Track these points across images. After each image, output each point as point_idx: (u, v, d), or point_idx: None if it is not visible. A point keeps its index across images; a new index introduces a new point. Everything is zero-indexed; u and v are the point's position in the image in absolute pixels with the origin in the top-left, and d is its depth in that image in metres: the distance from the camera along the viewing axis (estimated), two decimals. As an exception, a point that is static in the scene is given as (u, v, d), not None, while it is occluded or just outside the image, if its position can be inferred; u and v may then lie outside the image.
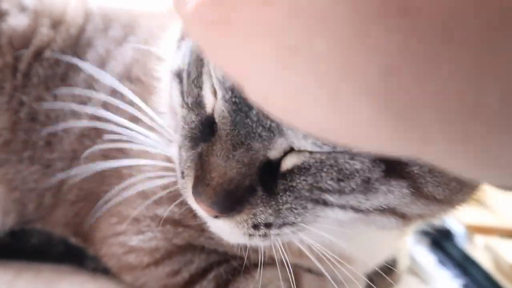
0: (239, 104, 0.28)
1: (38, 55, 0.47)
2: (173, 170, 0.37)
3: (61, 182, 0.44)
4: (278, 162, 0.29)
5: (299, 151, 0.29)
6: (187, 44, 0.34)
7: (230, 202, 0.29)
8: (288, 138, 0.28)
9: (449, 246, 0.63)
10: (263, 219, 0.30)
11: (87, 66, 0.47)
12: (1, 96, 0.45)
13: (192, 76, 0.32)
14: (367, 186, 0.29)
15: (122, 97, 0.45)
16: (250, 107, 0.28)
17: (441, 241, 0.65)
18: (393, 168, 0.29)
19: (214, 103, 0.31)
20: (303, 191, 0.29)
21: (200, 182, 0.29)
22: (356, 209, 0.30)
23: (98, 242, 0.43)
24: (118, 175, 0.41)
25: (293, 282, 0.37)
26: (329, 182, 0.29)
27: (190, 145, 0.32)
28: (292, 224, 0.30)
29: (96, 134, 0.44)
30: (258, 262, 0.39)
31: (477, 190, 0.34)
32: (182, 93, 0.33)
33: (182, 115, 0.33)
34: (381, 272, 0.46)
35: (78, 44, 0.48)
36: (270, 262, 0.40)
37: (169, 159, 0.39)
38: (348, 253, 0.38)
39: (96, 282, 0.43)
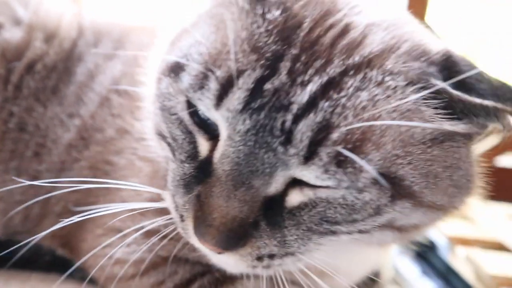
0: (254, 148, 0.28)
1: (30, 67, 0.47)
2: (158, 178, 0.38)
3: (48, 193, 0.43)
4: (281, 196, 0.29)
5: (302, 188, 0.29)
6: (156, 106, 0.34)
7: (233, 239, 0.29)
8: (289, 170, 0.28)
9: (432, 258, 0.64)
10: (267, 251, 0.30)
11: (77, 79, 0.47)
12: None
13: (178, 136, 0.32)
14: (377, 211, 0.29)
15: (110, 109, 0.46)
16: (260, 148, 0.28)
17: (424, 253, 0.65)
18: (398, 191, 0.29)
19: (208, 148, 0.30)
20: (312, 224, 0.29)
21: (202, 223, 0.29)
22: (362, 231, 0.30)
23: (84, 253, 0.42)
24: (105, 191, 0.41)
25: None
26: (340, 216, 0.29)
27: (185, 191, 0.31)
28: (294, 254, 0.30)
29: (84, 145, 0.44)
30: (241, 274, 0.39)
31: (472, 194, 0.35)
32: (172, 151, 0.33)
33: (171, 168, 0.33)
34: (365, 283, 0.47)
35: (70, 58, 0.49)
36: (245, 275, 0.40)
37: (156, 175, 0.39)
38: (333, 267, 0.38)
39: None
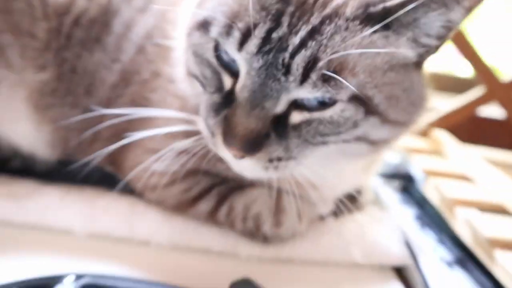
0: (265, 80, 0.37)
1: (76, 21, 0.55)
2: (186, 110, 0.47)
3: (99, 123, 0.53)
4: (285, 115, 0.39)
5: (301, 111, 0.38)
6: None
7: (252, 145, 0.39)
8: (290, 93, 0.37)
9: (411, 188, 0.74)
10: (275, 155, 0.39)
11: (115, 30, 0.56)
12: (49, 53, 0.54)
13: (208, 75, 0.42)
14: (355, 125, 0.39)
15: (145, 56, 0.55)
16: (273, 79, 0.37)
17: (404, 185, 0.75)
18: (369, 109, 0.39)
19: (232, 82, 0.40)
20: (308, 136, 0.39)
21: (229, 135, 0.39)
22: (344, 141, 0.40)
23: (128, 169, 0.53)
24: (143, 120, 0.50)
25: (275, 198, 0.49)
26: (328, 130, 0.39)
27: (214, 114, 0.41)
28: (297, 157, 0.40)
29: (125, 85, 0.54)
30: (249, 183, 0.50)
31: (427, 111, 0.44)
32: (204, 81, 0.42)
33: (203, 99, 0.42)
34: (347, 199, 0.56)
35: (107, 12, 0.57)
36: (257, 184, 0.51)
37: (184, 107, 0.49)
38: (323, 181, 0.48)
39: (125, 199, 0.54)
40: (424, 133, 0.88)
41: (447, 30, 0.39)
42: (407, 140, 0.82)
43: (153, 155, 0.50)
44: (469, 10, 0.38)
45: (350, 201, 0.57)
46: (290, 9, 0.38)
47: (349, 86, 0.37)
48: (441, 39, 0.40)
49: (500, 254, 0.49)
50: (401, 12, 0.36)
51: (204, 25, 0.41)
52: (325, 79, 0.37)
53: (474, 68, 0.88)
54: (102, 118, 0.52)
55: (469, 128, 1.00)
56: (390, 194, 0.73)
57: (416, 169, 0.73)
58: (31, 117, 0.57)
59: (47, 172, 0.59)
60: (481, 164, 0.69)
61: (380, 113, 0.39)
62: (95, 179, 0.57)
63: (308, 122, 0.39)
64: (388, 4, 0.37)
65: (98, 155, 0.54)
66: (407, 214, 0.69)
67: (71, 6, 0.55)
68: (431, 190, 0.67)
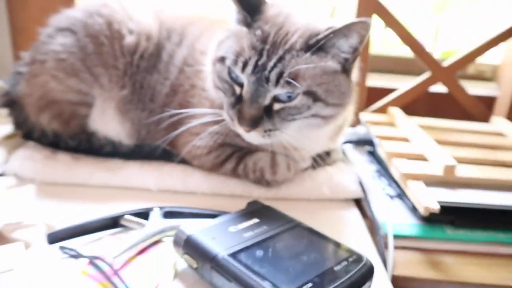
0: (257, 87, 0.62)
1: (141, 56, 0.80)
2: (216, 113, 0.71)
3: (159, 119, 0.79)
4: (270, 106, 0.63)
5: (278, 101, 0.62)
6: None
7: (254, 124, 0.62)
8: (270, 93, 0.63)
9: (372, 148, 0.97)
10: (267, 127, 0.63)
11: (164, 59, 0.83)
12: (126, 77, 0.79)
13: (226, 87, 0.66)
14: (309, 107, 0.64)
15: (185, 74, 0.81)
16: (261, 86, 0.61)
17: (369, 148, 0.98)
18: (315, 98, 0.64)
19: (240, 90, 0.64)
20: (285, 116, 0.63)
21: (241, 119, 0.63)
22: (305, 118, 0.64)
23: (180, 146, 0.77)
24: (187, 116, 0.73)
25: (272, 157, 0.76)
26: (295, 111, 0.63)
27: (232, 108, 0.64)
28: (280, 129, 0.64)
29: (174, 94, 0.79)
30: (255, 149, 0.77)
31: (352, 98, 0.69)
32: (224, 91, 0.66)
33: (225, 101, 0.66)
34: (320, 157, 0.81)
35: (158, 48, 0.81)
36: (261, 150, 0.77)
37: (213, 106, 0.74)
38: (300, 144, 0.74)
39: (180, 166, 0.79)
40: (384, 110, 1.11)
41: (353, 49, 0.62)
42: (372, 116, 1.07)
43: (196, 136, 0.75)
44: (360, 38, 0.60)
45: (322, 159, 0.82)
46: (267, 47, 0.62)
47: (301, 86, 0.60)
48: (352, 54, 0.63)
49: (410, 182, 0.73)
50: (324, 41, 0.61)
51: (221, 60, 0.67)
52: (288, 83, 0.61)
53: (418, 57, 1.13)
54: (160, 117, 0.78)
55: (424, 103, 1.26)
56: (357, 155, 0.97)
57: (374, 136, 0.95)
58: (117, 118, 0.80)
59: (128, 152, 0.81)
60: (415, 129, 0.91)
61: (322, 100, 0.63)
62: (159, 155, 0.80)
63: (283, 109, 0.63)
64: (318, 37, 0.62)
65: (159, 138, 0.79)
66: (370, 168, 0.92)
67: (137, 47, 0.79)
68: (381, 150, 0.90)
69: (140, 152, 0.82)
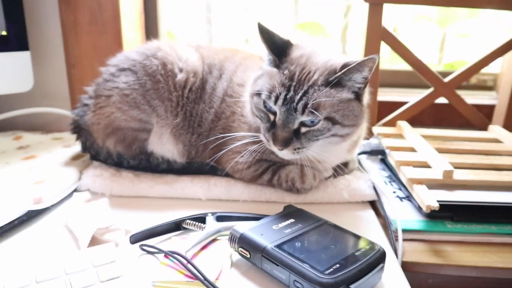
0: (287, 115, 0.76)
1: (190, 90, 0.92)
2: (254, 136, 0.86)
3: (206, 141, 0.90)
4: (298, 129, 0.76)
5: (304, 126, 0.76)
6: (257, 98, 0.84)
7: (285, 143, 0.75)
8: (298, 119, 0.78)
9: (384, 157, 1.11)
10: (296, 147, 0.76)
11: (208, 91, 1.01)
12: (178, 108, 0.94)
13: (262, 114, 0.79)
14: (329, 129, 0.80)
15: (226, 103, 0.98)
16: (290, 115, 0.76)
17: (381, 157, 1.13)
18: (334, 121, 0.79)
19: (273, 117, 0.77)
20: (310, 137, 0.76)
21: (275, 140, 0.76)
22: (327, 137, 0.76)
23: (224, 163, 0.90)
24: (230, 138, 0.85)
25: (300, 169, 0.92)
26: (319, 133, 0.76)
27: (268, 132, 0.77)
28: (306, 147, 0.77)
29: (217, 120, 0.94)
30: (287, 163, 0.93)
31: (365, 119, 0.84)
32: (261, 118, 0.80)
33: (261, 126, 0.79)
34: (339, 167, 0.96)
35: (202, 81, 0.97)
36: (291, 163, 0.92)
37: (250, 129, 0.90)
38: (323, 158, 0.86)
39: (224, 179, 0.94)
40: (393, 123, 1.22)
41: (364, 79, 0.75)
42: (383, 129, 1.20)
43: (238, 154, 0.87)
44: (370, 70, 0.74)
45: (341, 169, 0.96)
46: (294, 84, 0.77)
47: (322, 114, 0.73)
48: (363, 83, 0.76)
49: (415, 186, 0.84)
50: (343, 76, 0.77)
51: (258, 94, 0.82)
52: (311, 112, 0.74)
53: (422, 76, 1.28)
54: (208, 139, 0.94)
55: (430, 114, 1.40)
56: (371, 163, 1.11)
57: (385, 147, 1.09)
58: (171, 141, 0.92)
59: (181, 169, 0.93)
60: (419, 140, 1.05)
61: (340, 123, 0.76)
62: (207, 170, 0.92)
63: (309, 131, 0.77)
64: (336, 75, 0.77)
65: (207, 157, 0.95)
66: (382, 175, 1.06)
67: (187, 82, 0.91)
68: (391, 159, 1.04)
69: (190, 168, 0.95)
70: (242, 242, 0.69)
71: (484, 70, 1.30)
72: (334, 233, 0.72)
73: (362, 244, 0.68)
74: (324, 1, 1.74)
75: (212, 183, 0.92)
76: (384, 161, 1.09)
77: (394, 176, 1.01)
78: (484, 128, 1.24)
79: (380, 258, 0.65)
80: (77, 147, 1.10)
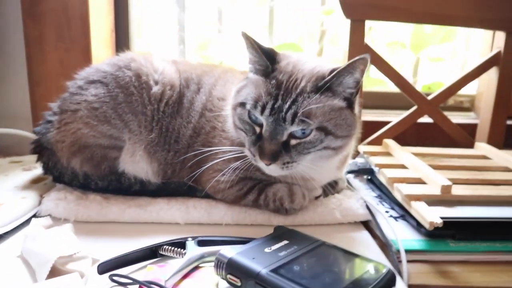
0: (275, 126, 0.71)
1: (166, 103, 0.88)
2: (237, 151, 0.79)
3: (184, 158, 0.86)
4: (287, 141, 0.71)
5: (294, 138, 0.71)
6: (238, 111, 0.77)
7: (274, 157, 0.70)
8: (287, 130, 0.72)
9: (373, 178, 1.05)
10: (286, 160, 0.71)
11: (185, 105, 0.93)
12: (153, 122, 0.87)
13: (247, 127, 0.74)
14: (321, 140, 0.73)
15: (205, 118, 0.90)
16: (279, 125, 0.70)
17: (368, 176, 1.07)
18: (326, 132, 0.73)
19: (259, 129, 0.72)
20: (300, 149, 0.71)
21: (262, 154, 0.71)
22: (318, 150, 0.72)
23: (204, 182, 0.83)
24: (210, 155, 0.81)
25: (289, 188, 0.85)
26: (310, 145, 0.72)
27: (253, 145, 0.72)
28: (296, 161, 0.72)
29: (196, 135, 0.87)
30: (274, 181, 0.85)
31: (358, 130, 0.79)
32: (246, 131, 0.75)
33: (246, 140, 0.74)
34: (329, 186, 0.91)
35: (180, 95, 0.90)
36: (278, 181, 0.85)
37: (233, 144, 0.82)
38: (313, 176, 0.82)
39: (204, 200, 0.86)
40: (378, 142, 1.21)
41: (356, 83, 0.72)
42: (369, 147, 1.17)
43: (219, 172, 0.82)
44: (362, 71, 0.70)
45: (332, 187, 0.91)
46: (281, 92, 0.73)
47: (313, 123, 0.69)
48: (355, 87, 0.72)
49: (413, 203, 0.81)
50: (332, 81, 0.72)
51: (241, 104, 0.76)
52: (302, 121, 0.70)
53: (405, 93, 1.25)
54: (185, 157, 0.86)
55: (413, 133, 1.36)
56: (358, 183, 1.06)
57: (373, 165, 1.05)
58: (145, 159, 0.86)
59: (156, 190, 0.86)
60: (410, 157, 1.01)
61: (332, 133, 0.71)
62: (184, 190, 0.86)
63: (299, 144, 0.72)
64: (325, 79, 0.72)
65: (185, 175, 0.87)
66: (371, 194, 1.00)
67: (163, 95, 0.88)
68: (381, 177, 0.99)
69: (167, 189, 0.88)
70: (231, 268, 0.59)
71: (461, 91, 1.29)
72: (335, 254, 0.63)
73: (369, 266, 0.59)
74: (298, 23, 1.73)
75: (191, 205, 0.84)
76: (371, 180, 1.05)
77: (384, 195, 0.96)
78: (468, 146, 1.23)
79: (391, 280, 0.57)
80: (38, 170, 1.00)
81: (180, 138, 0.87)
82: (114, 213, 0.82)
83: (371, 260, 0.61)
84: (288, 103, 0.71)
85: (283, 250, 0.63)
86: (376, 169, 1.03)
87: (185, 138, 0.87)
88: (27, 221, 0.79)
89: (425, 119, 1.29)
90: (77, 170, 0.88)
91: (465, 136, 1.27)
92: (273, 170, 0.74)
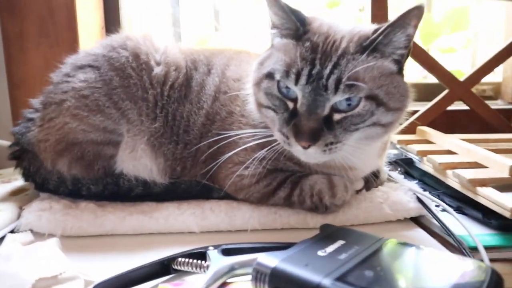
0: (314, 97, 0.58)
1: (172, 86, 0.75)
2: (263, 134, 0.65)
3: (196, 151, 0.73)
4: (330, 116, 0.59)
5: (338, 111, 0.58)
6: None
7: (314, 137, 0.58)
8: (330, 101, 0.58)
9: (410, 168, 0.93)
10: (328, 141, 0.58)
11: (195, 88, 0.77)
12: (158, 109, 0.73)
13: (277, 103, 0.62)
14: (372, 113, 0.59)
15: (219, 102, 0.75)
16: (319, 96, 0.58)
17: (404, 167, 0.94)
18: (378, 102, 0.59)
19: (293, 104, 0.60)
20: (347, 126, 0.59)
21: (299, 135, 0.58)
22: (368, 126, 0.60)
23: (222, 179, 0.71)
24: (228, 144, 0.69)
25: (329, 179, 0.69)
26: (358, 120, 0.59)
27: (286, 125, 0.60)
28: (342, 141, 0.59)
29: (211, 123, 0.73)
30: (309, 172, 0.70)
31: (411, 98, 0.64)
32: (275, 108, 0.62)
33: (276, 119, 0.62)
34: (372, 176, 0.77)
35: (187, 78, 0.77)
36: (314, 172, 0.70)
37: (254, 126, 0.68)
38: (355, 163, 0.69)
39: (223, 202, 0.71)
40: (411, 131, 1.07)
41: (408, 41, 0.60)
42: (402, 136, 1.02)
43: (241, 165, 0.68)
44: (415, 26, 0.59)
45: (374, 179, 0.77)
46: (318, 56, 0.60)
47: (363, 89, 0.57)
48: (407, 48, 0.61)
49: (480, 189, 0.68)
50: (380, 39, 0.59)
51: (269, 75, 0.63)
52: (348, 87, 0.57)
53: (435, 75, 1.12)
54: (197, 149, 0.72)
55: (443, 121, 1.23)
56: (396, 175, 0.90)
57: (413, 154, 0.92)
58: (148, 154, 0.74)
59: (162, 192, 0.73)
60: (458, 142, 0.88)
61: (384, 104, 0.59)
62: (198, 191, 0.73)
63: (345, 118, 0.59)
64: (372, 37, 0.60)
65: (198, 173, 0.72)
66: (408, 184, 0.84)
67: (167, 77, 0.75)
68: (427, 165, 0.86)
69: (176, 190, 0.74)
70: (278, 280, 0.44)
71: (484, 80, 1.15)
72: (411, 253, 0.47)
73: (464, 265, 0.43)
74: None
75: (208, 208, 0.70)
76: (407, 173, 0.93)
77: (429, 187, 0.84)
78: (505, 131, 1.13)
79: (499, 284, 0.41)
80: (19, 182, 0.84)
81: (190, 127, 0.75)
82: (111, 223, 0.68)
83: (467, 257, 0.44)
84: (329, 67, 0.58)
85: (342, 252, 0.47)
86: (416, 158, 0.90)
87: (197, 127, 0.74)
88: (2, 238, 0.65)
89: (455, 106, 1.19)
90: (65, 173, 0.74)
91: (502, 121, 1.14)
92: (312, 155, 0.60)
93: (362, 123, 0.60)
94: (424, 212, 0.72)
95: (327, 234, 0.54)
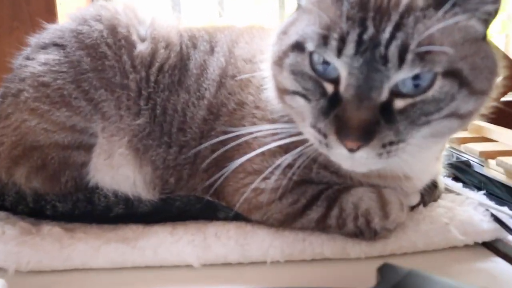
0: (367, 74, 0.41)
1: (160, 69, 0.61)
2: (282, 131, 0.50)
3: (195, 156, 0.58)
4: (389, 102, 0.42)
5: (400, 96, 0.42)
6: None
7: (367, 134, 0.41)
8: (391, 80, 0.41)
9: (467, 174, 0.76)
10: (388, 139, 0.42)
11: (193, 72, 0.61)
12: (142, 100, 0.60)
13: (310, 87, 0.45)
14: (453, 97, 0.43)
15: (226, 89, 0.60)
16: (374, 72, 0.41)
17: (461, 171, 0.77)
18: (461, 81, 0.43)
19: (333, 87, 0.43)
20: (414, 117, 0.42)
21: (343, 131, 0.42)
22: (443, 117, 0.43)
23: (231, 194, 0.56)
24: (238, 147, 0.54)
25: (378, 194, 0.52)
26: (432, 108, 0.42)
27: (324, 117, 0.44)
28: (406, 140, 0.43)
29: (215, 118, 0.59)
30: (351, 184, 0.53)
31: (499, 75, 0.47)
32: (305, 94, 0.46)
33: (307, 109, 0.46)
34: (429, 188, 0.60)
35: (182, 58, 0.63)
36: (357, 184, 0.54)
37: (274, 121, 0.53)
38: (411, 171, 0.52)
39: (232, 224, 0.56)
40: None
41: None
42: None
43: (257, 176, 0.53)
44: None
45: (431, 191, 0.60)
46: (370, 14, 0.43)
47: (440, 61, 0.41)
48: (495, 3, 0.45)
49: None
50: None
51: (297, 46, 0.46)
52: (421, 57, 0.41)
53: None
54: (197, 153, 0.57)
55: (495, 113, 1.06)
56: (452, 182, 0.75)
57: (472, 156, 0.77)
58: (131, 161, 0.61)
59: (150, 212, 0.60)
60: None
61: (468, 84, 0.43)
62: (198, 210, 0.59)
63: (412, 106, 0.43)
64: None
65: (198, 187, 0.58)
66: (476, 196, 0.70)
67: (154, 57, 0.61)
68: (495, 170, 0.70)
69: (169, 209, 0.61)
70: None
71: None
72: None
73: None
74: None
75: (212, 233, 0.57)
76: (459, 179, 0.76)
77: (496, 198, 0.67)
78: None
79: None
80: None
81: (187, 123, 0.62)
82: (81, 254, 0.55)
83: None
84: (389, 29, 0.42)
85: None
86: (477, 160, 0.75)
87: (196, 124, 0.61)
88: None
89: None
90: (23, 187, 0.62)
91: None
92: (362, 160, 0.44)
93: (438, 113, 0.43)
94: (503, 234, 0.56)
95: (391, 285, 0.35)
